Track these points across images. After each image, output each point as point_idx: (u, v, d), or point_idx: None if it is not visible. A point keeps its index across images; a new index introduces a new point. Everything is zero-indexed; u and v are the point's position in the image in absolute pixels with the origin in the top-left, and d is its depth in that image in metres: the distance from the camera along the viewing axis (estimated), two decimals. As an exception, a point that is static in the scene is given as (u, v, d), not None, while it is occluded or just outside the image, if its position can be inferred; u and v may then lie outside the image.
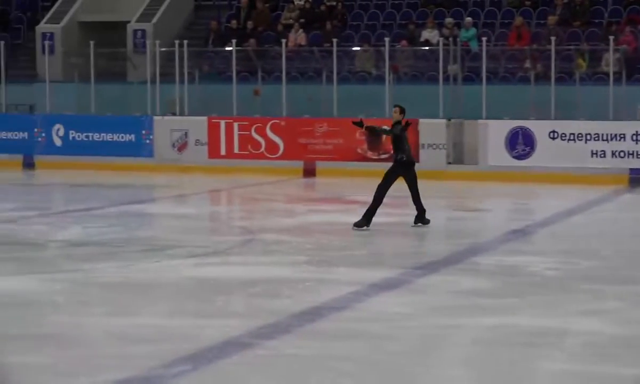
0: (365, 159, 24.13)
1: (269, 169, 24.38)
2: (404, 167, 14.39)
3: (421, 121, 22.90)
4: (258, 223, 17.22)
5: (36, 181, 24.49)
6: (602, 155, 22.50)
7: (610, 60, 23.77)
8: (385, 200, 17.26)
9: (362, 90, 26.36)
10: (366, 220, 13.93)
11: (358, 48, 27.84)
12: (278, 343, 8.34)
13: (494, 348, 8.40)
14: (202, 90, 27.06)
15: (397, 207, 18.54)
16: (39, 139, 26.87)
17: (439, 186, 21.14)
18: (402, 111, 14.61)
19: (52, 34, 31.08)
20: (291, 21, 29.34)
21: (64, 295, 10.56)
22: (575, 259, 12.71)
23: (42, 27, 31.49)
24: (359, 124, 15.38)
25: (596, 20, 27.02)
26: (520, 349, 8.05)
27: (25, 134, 27.10)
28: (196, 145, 25.21)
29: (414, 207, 14.55)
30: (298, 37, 28.40)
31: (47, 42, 30.04)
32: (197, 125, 25.76)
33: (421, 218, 14.51)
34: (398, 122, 14.44)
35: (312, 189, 22.68)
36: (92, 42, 27.37)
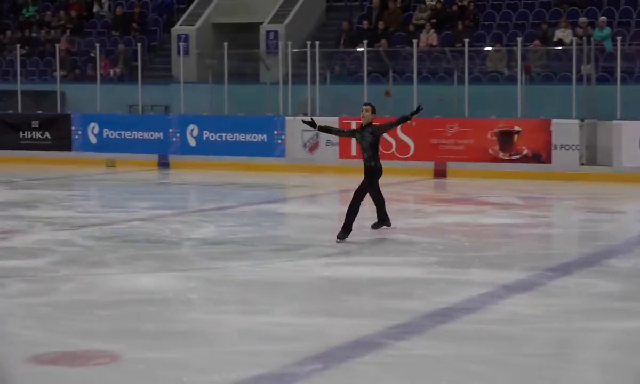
0: (496, 159, 23.80)
1: (400, 169, 24.05)
2: (377, 175, 13.50)
3: (554, 121, 22.69)
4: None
5: (171, 180, 24.80)
6: None
7: None
8: (516, 201, 17.03)
9: (494, 90, 26.10)
10: (346, 231, 12.85)
11: (490, 48, 27.56)
12: (409, 343, 8.28)
13: (630, 352, 8.17)
14: (333, 90, 27.12)
15: (529, 208, 18.18)
16: (174, 139, 27.19)
17: (571, 187, 20.89)
18: (374, 110, 13.29)
19: (187, 35, 31.54)
20: (422, 21, 29.17)
21: (198, 292, 10.68)
22: None
23: (178, 29, 32.03)
24: (311, 123, 14.00)
25: None
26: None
27: (161, 134, 27.43)
28: (327, 145, 25.24)
29: (381, 216, 13.75)
30: (429, 37, 28.22)
31: (182, 44, 30.51)
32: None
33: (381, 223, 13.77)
34: (369, 124, 13.11)
35: (443, 189, 22.45)
36: (225, 44, 27.68)
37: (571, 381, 7.40)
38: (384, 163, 26.89)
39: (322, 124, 13.91)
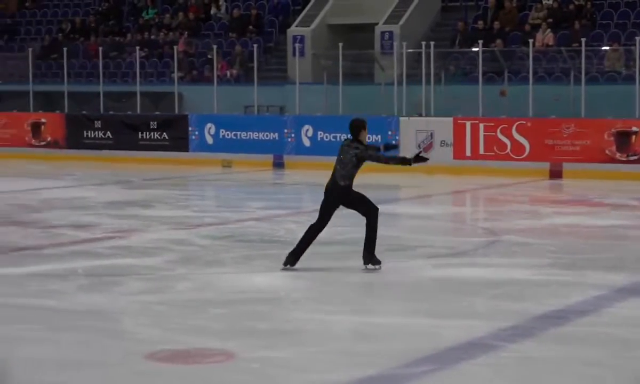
0: (613, 160, 23.48)
1: (514, 170, 24.06)
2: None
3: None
4: (502, 225, 17.00)
5: (285, 180, 24.99)
6: None
7: None
8: (632, 202, 16.50)
9: (611, 90, 25.82)
10: (294, 258, 10.87)
11: (607, 48, 27.19)
12: (521, 345, 8.22)
13: None
14: (448, 91, 27.00)
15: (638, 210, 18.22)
16: (289, 139, 27.43)
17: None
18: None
19: (302, 36, 31.70)
20: (539, 21, 29.01)
21: (309, 292, 10.73)
22: None
23: (293, 30, 32.22)
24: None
25: None
26: None
27: (276, 135, 27.67)
28: (441, 146, 25.11)
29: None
30: (545, 37, 28.04)
31: (297, 45, 30.66)
32: (442, 126, 25.69)
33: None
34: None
35: (558, 190, 22.25)
36: (340, 44, 27.81)
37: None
38: (497, 164, 26.58)
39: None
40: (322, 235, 12.69)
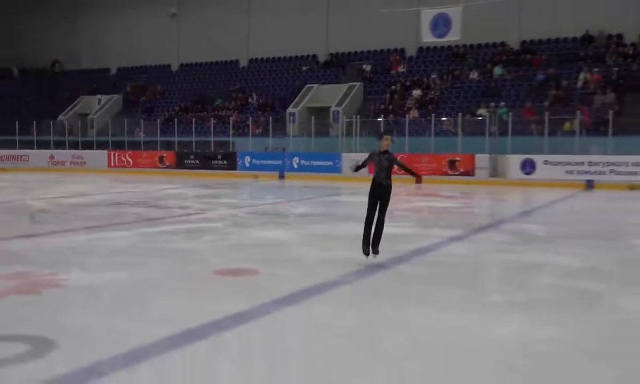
0: (447, 174, 24.16)
1: (398, 179, 23.93)
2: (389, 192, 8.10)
3: None
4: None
5: (285, 185, 24.62)
6: None
7: None
8: (454, 195, 16.93)
9: (447, 140, 26.22)
10: (366, 246, 8.32)
11: (445, 118, 27.78)
12: (398, 266, 8.16)
13: (522, 271, 7.99)
14: (366, 140, 27.16)
15: (459, 199, 17.86)
16: (287, 164, 27.92)
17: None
18: (392, 141, 8.58)
19: (294, 113, 32.50)
20: (411, 105, 29.57)
21: (302, 241, 10.35)
22: None
23: (289, 110, 32.95)
24: (357, 167, 8.53)
25: None
26: None
27: (280, 162, 28.35)
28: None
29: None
30: (414, 112, 28.59)
31: (291, 117, 31.96)
32: (363, 157, 27.82)
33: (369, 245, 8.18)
34: (386, 151, 8.30)
35: (420, 189, 21.45)
36: (312, 117, 28.88)
37: (475, 283, 7.37)
38: None
39: (355, 165, 8.40)
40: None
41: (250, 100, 36.49)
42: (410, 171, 8.38)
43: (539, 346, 5.20)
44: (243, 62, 40.10)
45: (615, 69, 27.97)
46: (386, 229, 8.31)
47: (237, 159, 30.00)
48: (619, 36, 30.30)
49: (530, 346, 5.22)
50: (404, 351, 5.07)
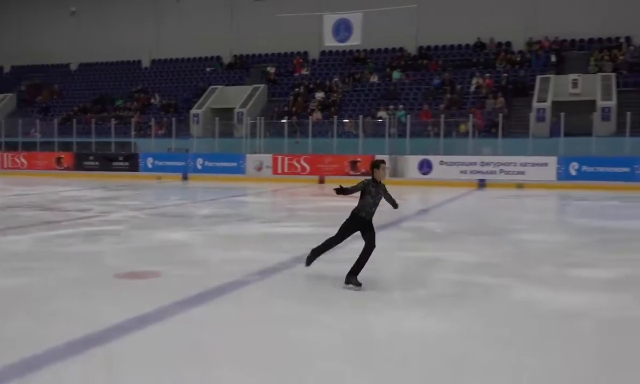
0: (349, 175, 24.51)
1: (302, 179, 24.70)
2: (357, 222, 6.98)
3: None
4: (296, 205, 16.89)
5: (188, 186, 24.25)
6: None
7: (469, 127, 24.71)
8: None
9: (348, 141, 27.18)
10: (312, 256, 7.40)
11: (346, 120, 28.54)
12: (300, 262, 7.70)
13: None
14: (270, 141, 27.47)
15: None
16: (190, 165, 27.69)
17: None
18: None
19: (198, 113, 32.46)
20: (314, 107, 30.09)
21: (194, 239, 10.03)
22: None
23: (193, 111, 32.78)
24: (338, 190, 7.33)
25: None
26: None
27: (184, 163, 28.10)
28: (267, 168, 25.25)
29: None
30: (316, 114, 29.04)
31: (195, 118, 31.83)
32: (267, 158, 26.24)
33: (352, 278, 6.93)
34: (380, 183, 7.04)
35: (323, 189, 21.98)
36: (217, 118, 28.72)
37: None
38: (295, 176, 24.56)
39: (340, 187, 7.36)
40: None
41: (152, 101, 35.82)
42: (393, 201, 7.19)
43: (441, 340, 5.34)
44: (145, 63, 39.22)
45: (505, 74, 29.36)
46: (289, 229, 8.50)
47: (139, 160, 29.38)
48: (508, 44, 31.83)
49: (432, 339, 5.36)
50: (311, 348, 5.06)
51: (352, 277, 6.83)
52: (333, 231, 9.15)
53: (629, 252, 9.54)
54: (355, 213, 6.98)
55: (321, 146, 26.70)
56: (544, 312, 6.16)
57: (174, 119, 30.81)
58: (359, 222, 6.93)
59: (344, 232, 7.01)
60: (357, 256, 6.89)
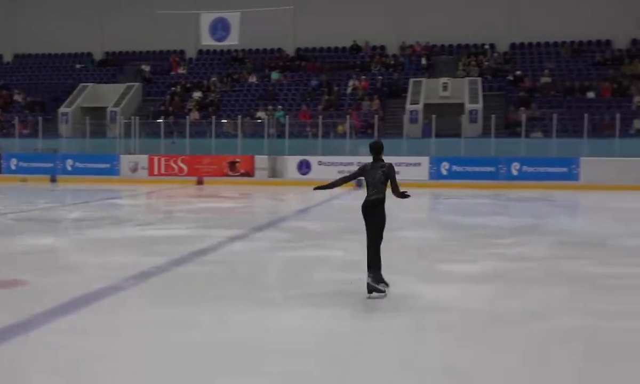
0: (228, 175, 23.92)
1: (180, 180, 23.64)
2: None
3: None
4: (174, 208, 16.50)
5: (57, 188, 23.10)
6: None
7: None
8: (234, 195, 17.20)
9: (199, 141, 26.87)
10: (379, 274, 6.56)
11: (225, 120, 27.81)
12: (183, 267, 8.00)
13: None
14: (145, 142, 26.76)
15: (239, 199, 18.04)
16: (59, 166, 26.43)
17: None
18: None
19: (67, 112, 30.89)
20: (192, 106, 29.31)
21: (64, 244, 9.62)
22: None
23: (62, 109, 31.13)
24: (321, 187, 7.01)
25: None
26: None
27: (52, 164, 26.66)
28: (142, 169, 24.30)
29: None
30: (193, 114, 28.00)
31: (64, 117, 30.39)
32: (143, 159, 25.31)
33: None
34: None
35: (201, 190, 21.66)
36: (87, 117, 27.50)
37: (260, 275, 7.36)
38: (173, 178, 24.17)
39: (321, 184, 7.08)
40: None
41: (16, 98, 33.82)
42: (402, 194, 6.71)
43: (325, 337, 5.44)
44: (7, 57, 36.98)
45: (380, 77, 30.35)
46: (165, 232, 8.49)
47: (2, 161, 27.89)
48: (382, 48, 32.94)
49: (313, 336, 5.43)
50: (192, 351, 4.99)
51: (374, 285, 6.53)
52: (213, 232, 10.64)
53: (493, 247, 10.10)
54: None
55: (199, 147, 26.45)
56: (419, 305, 6.48)
57: (40, 117, 29.31)
58: (363, 204, 6.63)
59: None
60: None
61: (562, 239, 10.82)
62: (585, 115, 24.56)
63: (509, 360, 4.91)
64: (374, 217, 6.55)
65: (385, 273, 6.71)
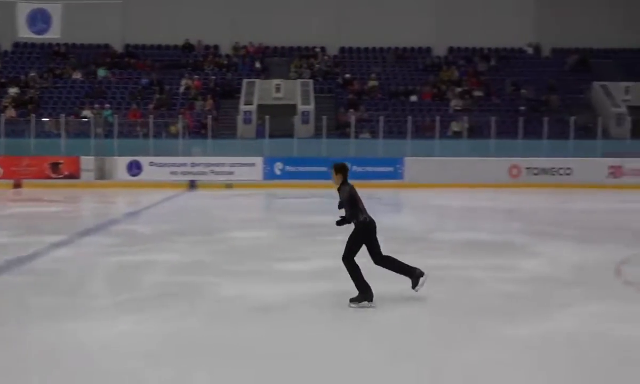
0: (50, 178, 22.88)
1: None
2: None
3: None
4: None
5: None
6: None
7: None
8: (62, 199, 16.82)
9: (52, 142, 25.18)
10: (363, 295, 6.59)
11: (46, 120, 26.18)
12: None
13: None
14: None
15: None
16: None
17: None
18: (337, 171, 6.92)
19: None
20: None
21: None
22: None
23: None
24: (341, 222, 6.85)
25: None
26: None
27: None
28: None
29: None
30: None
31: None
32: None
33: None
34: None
35: (20, 194, 20.50)
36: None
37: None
38: None
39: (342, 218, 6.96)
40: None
41: None
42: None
43: (157, 343, 5.36)
44: None
45: (213, 77, 30.26)
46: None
47: None
48: (216, 47, 32.83)
49: (137, 345, 5.33)
50: (46, 359, 4.72)
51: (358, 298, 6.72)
52: (35, 239, 10.13)
53: (328, 245, 10.35)
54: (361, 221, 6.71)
55: (16, 147, 24.73)
56: (252, 306, 6.53)
57: None
58: (372, 232, 6.85)
59: (357, 248, 6.73)
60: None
61: (391, 235, 11.45)
62: (409, 117, 26.12)
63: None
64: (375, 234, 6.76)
65: (212, 275, 6.72)
